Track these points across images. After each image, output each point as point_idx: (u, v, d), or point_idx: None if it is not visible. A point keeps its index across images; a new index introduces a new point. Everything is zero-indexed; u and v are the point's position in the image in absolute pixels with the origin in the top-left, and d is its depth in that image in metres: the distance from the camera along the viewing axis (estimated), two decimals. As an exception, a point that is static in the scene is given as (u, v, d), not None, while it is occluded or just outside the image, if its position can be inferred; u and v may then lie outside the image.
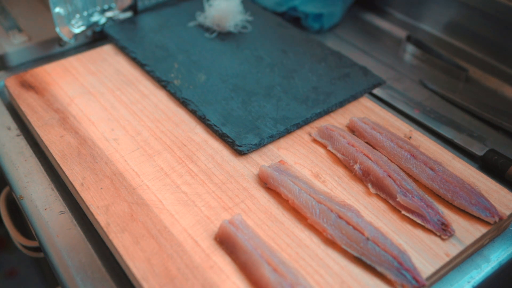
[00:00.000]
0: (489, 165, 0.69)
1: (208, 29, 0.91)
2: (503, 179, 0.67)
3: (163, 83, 0.78)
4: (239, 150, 0.66)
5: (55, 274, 0.57)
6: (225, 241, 0.55)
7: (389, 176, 0.61)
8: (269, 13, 0.97)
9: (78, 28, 0.87)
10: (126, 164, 0.65)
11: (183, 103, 0.75)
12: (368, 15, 1.04)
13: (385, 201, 0.61)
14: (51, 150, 0.66)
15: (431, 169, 0.63)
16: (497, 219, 0.57)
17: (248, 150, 0.66)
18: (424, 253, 0.55)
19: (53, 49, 0.90)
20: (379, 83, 0.79)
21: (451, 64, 0.89)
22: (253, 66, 0.82)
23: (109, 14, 0.91)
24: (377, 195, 0.61)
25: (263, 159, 0.66)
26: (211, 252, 0.54)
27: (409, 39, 0.95)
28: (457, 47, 0.92)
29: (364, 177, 0.63)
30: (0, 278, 1.34)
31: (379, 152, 0.66)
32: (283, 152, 0.67)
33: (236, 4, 0.90)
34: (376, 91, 0.81)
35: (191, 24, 0.92)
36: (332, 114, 0.74)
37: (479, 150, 0.71)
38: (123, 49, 0.86)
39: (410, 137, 0.70)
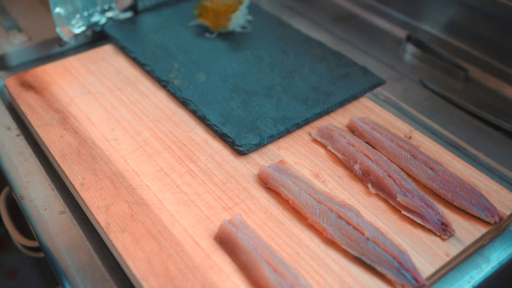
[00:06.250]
0: None
1: (208, 29, 0.91)
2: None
3: (163, 83, 0.78)
4: (239, 150, 0.66)
5: (55, 274, 0.57)
6: (225, 241, 0.55)
7: (389, 176, 0.61)
8: (269, 13, 0.97)
9: (78, 28, 0.87)
10: (126, 164, 0.65)
11: (183, 103, 0.75)
12: (368, 15, 1.04)
13: (385, 201, 0.61)
14: (51, 150, 0.66)
15: (431, 169, 0.63)
16: (497, 219, 0.57)
17: (248, 150, 0.66)
18: (424, 253, 0.55)
19: (53, 49, 0.90)
20: (379, 83, 0.79)
21: (451, 64, 0.89)
22: (253, 66, 0.82)
23: (109, 14, 0.91)
24: (377, 195, 0.61)
25: (263, 159, 0.66)
26: (211, 252, 0.54)
27: (409, 39, 0.95)
28: (457, 47, 0.92)
29: (364, 177, 0.63)
30: (0, 278, 1.34)
31: (379, 152, 0.66)
32: (283, 152, 0.67)
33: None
34: (376, 91, 0.81)
35: (191, 24, 0.92)
36: (332, 114, 0.74)
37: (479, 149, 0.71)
38: (123, 49, 0.86)
39: (410, 137, 0.70)
